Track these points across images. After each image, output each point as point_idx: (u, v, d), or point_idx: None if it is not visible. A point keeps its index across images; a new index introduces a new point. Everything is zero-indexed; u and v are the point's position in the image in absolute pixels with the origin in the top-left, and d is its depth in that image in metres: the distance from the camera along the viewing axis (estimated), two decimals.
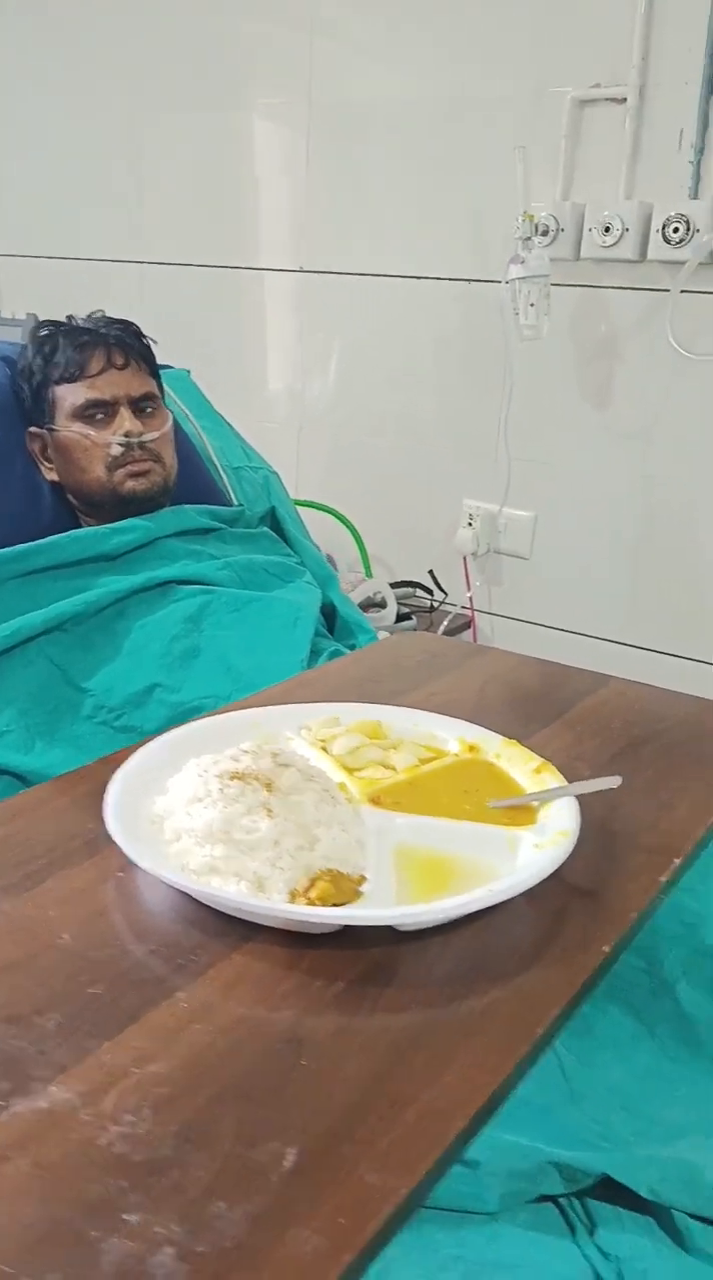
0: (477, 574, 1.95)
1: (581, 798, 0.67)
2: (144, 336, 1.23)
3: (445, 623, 1.90)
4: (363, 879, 0.58)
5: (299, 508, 1.90)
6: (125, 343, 1.19)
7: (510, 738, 0.76)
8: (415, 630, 1.88)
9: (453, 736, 0.77)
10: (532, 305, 1.63)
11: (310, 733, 0.76)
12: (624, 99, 1.61)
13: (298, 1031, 0.49)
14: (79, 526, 1.19)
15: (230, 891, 0.55)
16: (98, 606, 1.07)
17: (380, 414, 2.01)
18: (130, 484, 1.17)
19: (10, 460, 1.18)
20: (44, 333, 1.18)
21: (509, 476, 1.84)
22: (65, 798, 0.70)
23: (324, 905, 0.55)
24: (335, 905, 0.55)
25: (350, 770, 0.72)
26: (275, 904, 0.54)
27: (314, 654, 1.12)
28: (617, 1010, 0.78)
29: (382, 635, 1.80)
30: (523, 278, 1.62)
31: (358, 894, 0.57)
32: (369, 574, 1.99)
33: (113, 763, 0.69)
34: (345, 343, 2.04)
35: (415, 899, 0.58)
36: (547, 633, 1.90)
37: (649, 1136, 0.69)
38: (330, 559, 2.08)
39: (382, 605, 1.86)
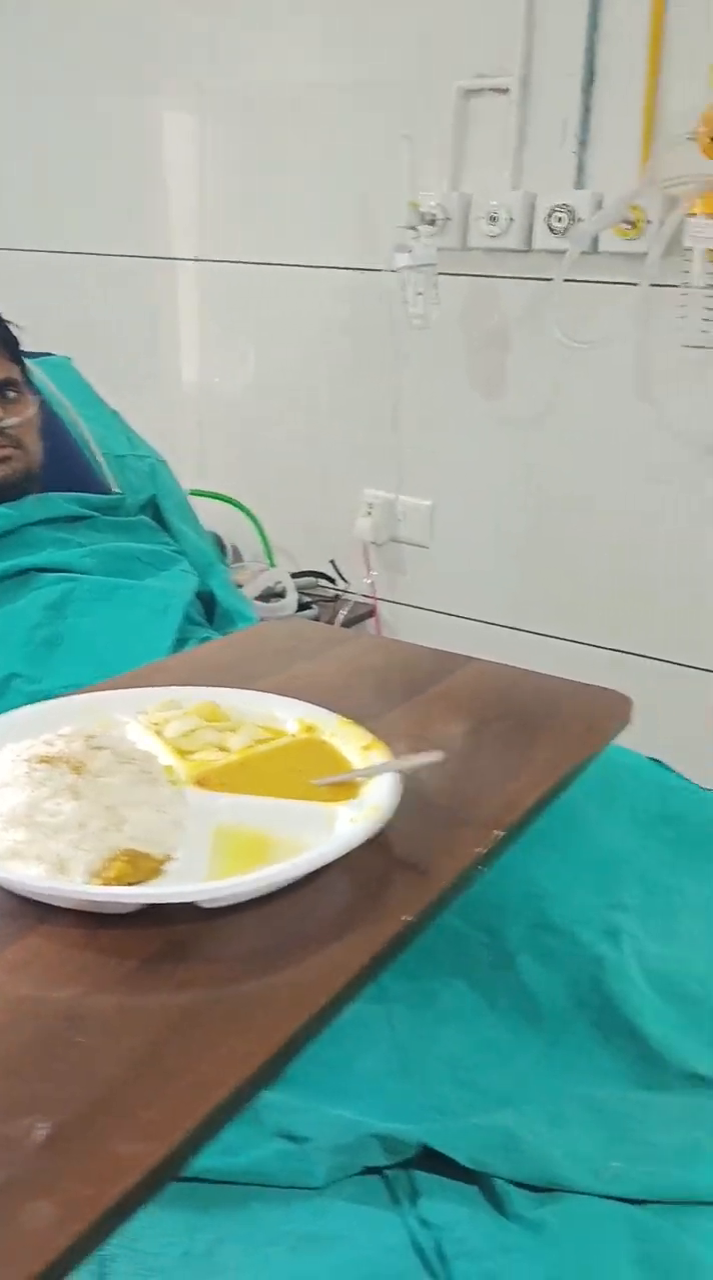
0: (379, 563, 1.95)
1: (417, 775, 0.67)
2: (4, 321, 1.21)
3: (346, 611, 1.90)
4: (168, 858, 0.58)
5: (202, 499, 1.90)
6: None
7: (360, 719, 0.76)
8: (317, 620, 1.88)
9: (292, 718, 0.77)
10: (420, 294, 1.64)
11: (147, 717, 0.76)
12: (508, 89, 1.63)
13: (78, 1009, 0.49)
14: None
15: (19, 874, 0.54)
16: None
17: (280, 404, 2.01)
18: None
19: None
20: None
21: (404, 465, 1.85)
22: None
23: (121, 885, 0.55)
24: (133, 885, 0.55)
25: (183, 753, 0.71)
26: (61, 884, 0.54)
27: (184, 642, 1.12)
28: (461, 984, 0.79)
29: None
30: (410, 267, 1.63)
31: (159, 872, 0.57)
32: (272, 564, 1.99)
33: None
34: (244, 333, 2.03)
35: (224, 877, 0.58)
36: (447, 620, 1.92)
37: (476, 1107, 0.70)
38: (234, 550, 2.07)
39: (282, 595, 1.86)
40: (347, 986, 0.51)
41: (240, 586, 1.84)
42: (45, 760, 0.62)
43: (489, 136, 1.67)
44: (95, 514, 1.26)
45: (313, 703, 0.80)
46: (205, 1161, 0.62)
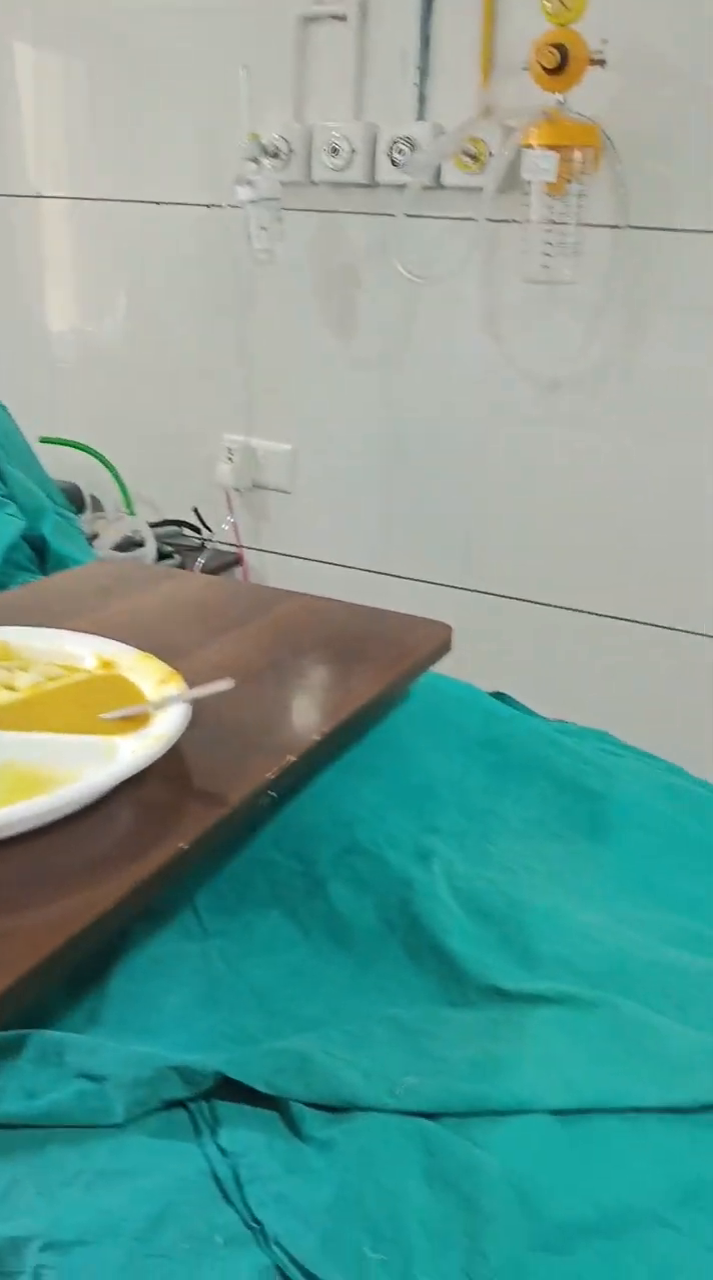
0: (243, 510, 1.93)
1: (215, 705, 0.66)
2: None
3: (204, 559, 1.87)
4: None
5: (55, 446, 1.83)
6: None
7: (170, 654, 0.75)
8: (177, 565, 1.85)
9: (90, 654, 0.75)
10: (264, 229, 1.60)
11: None
12: (345, 16, 1.58)
13: None
14: None
15: None
16: None
17: (134, 347, 1.95)
18: None
19: None
20: None
21: (261, 409, 1.82)
22: None
23: None
24: None
25: None
26: None
27: (3, 587, 1.08)
28: (277, 913, 0.79)
29: None
30: (253, 201, 1.59)
31: None
32: (132, 513, 1.94)
33: None
34: (94, 273, 1.95)
35: None
36: (313, 566, 1.91)
37: (280, 1034, 0.70)
38: (94, 500, 2.01)
39: (141, 544, 1.82)
40: (101, 918, 0.50)
41: (95, 537, 1.79)
42: None
43: (330, 66, 1.63)
44: None
45: (123, 641, 0.78)
46: (2, 1107, 0.60)
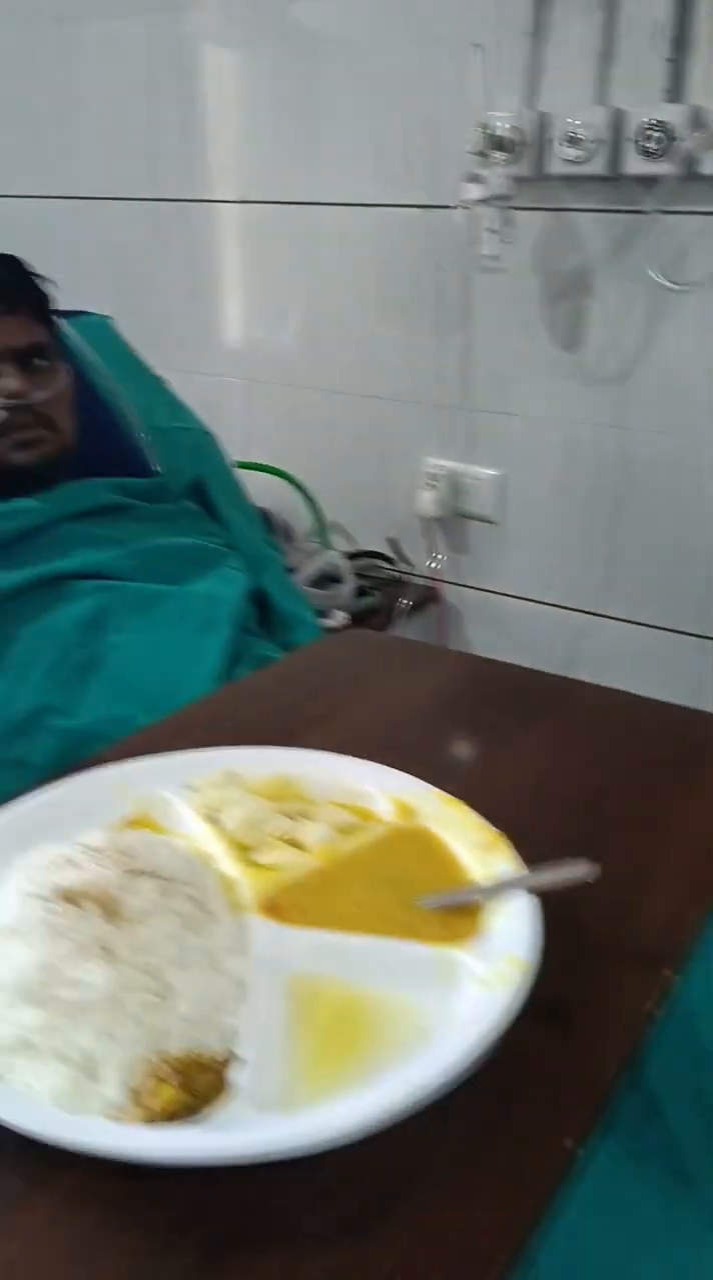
0: (442, 541, 1.77)
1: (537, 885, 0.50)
2: (32, 274, 1.03)
3: (408, 598, 1.72)
4: (230, 1058, 0.42)
5: (249, 471, 1.72)
6: (3, 281, 0.99)
7: (457, 776, 0.60)
8: (376, 602, 1.71)
9: (382, 792, 0.60)
10: (492, 232, 1.43)
11: (198, 795, 0.59)
12: None
13: None
14: None
15: (22, 1112, 0.38)
16: None
17: (332, 363, 1.81)
18: (16, 456, 0.98)
19: None
20: None
21: (471, 431, 1.66)
22: None
23: (168, 1115, 0.38)
24: (190, 1114, 0.39)
25: (246, 851, 0.55)
26: (85, 1129, 0.38)
27: (237, 659, 0.95)
28: (606, 1141, 0.62)
29: (336, 616, 1.63)
30: (481, 200, 1.42)
31: (221, 1088, 0.40)
32: (326, 544, 1.81)
33: None
34: (292, 284, 1.82)
35: (310, 1076, 0.42)
36: (517, 604, 1.73)
37: None
38: (286, 527, 1.89)
39: (338, 580, 1.69)
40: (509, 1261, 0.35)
41: (293, 571, 1.67)
42: (68, 897, 0.45)
43: (568, 43, 1.44)
44: (135, 502, 1.09)
45: (396, 752, 0.63)
46: None
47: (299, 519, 1.87)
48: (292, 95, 1.72)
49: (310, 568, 1.65)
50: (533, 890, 0.50)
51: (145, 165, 1.91)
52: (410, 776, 0.60)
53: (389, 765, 0.61)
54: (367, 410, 1.78)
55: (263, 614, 1.11)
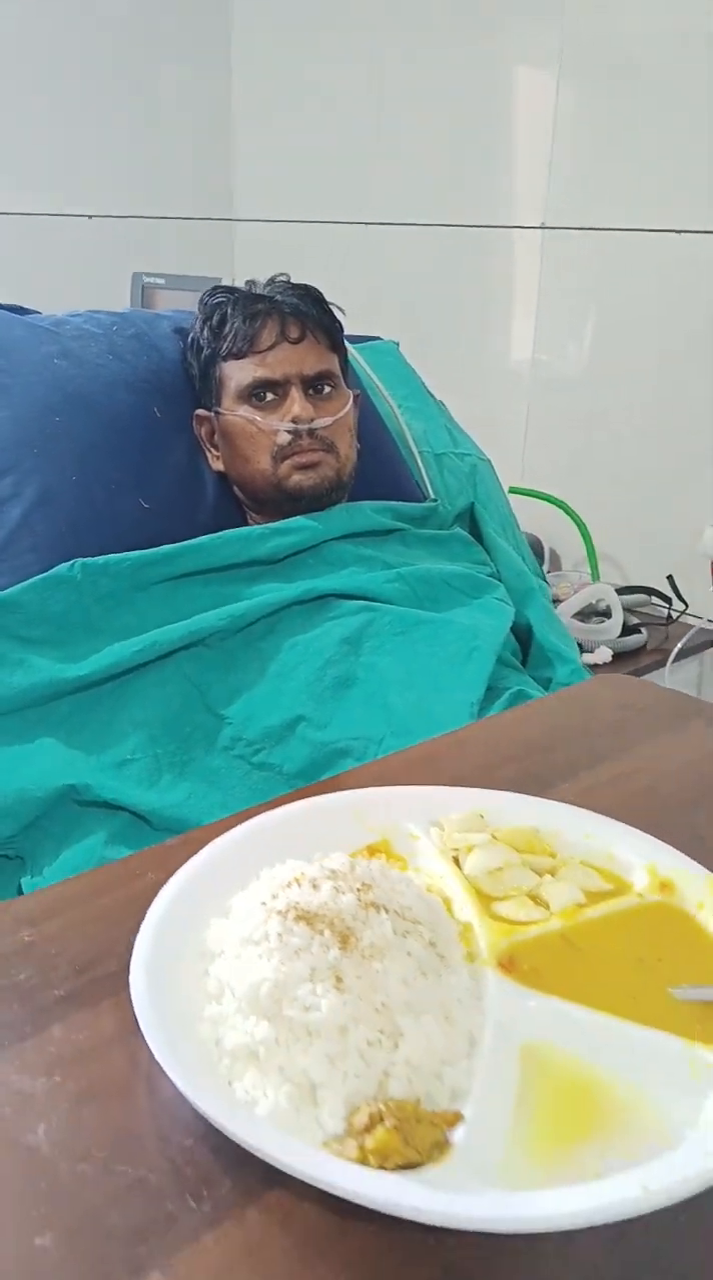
0: None
1: None
2: (327, 304, 1.07)
3: (684, 638, 1.62)
4: (455, 1119, 0.40)
5: (521, 497, 1.70)
6: (302, 311, 1.03)
7: (696, 842, 0.55)
8: (644, 641, 1.63)
9: (640, 862, 0.56)
10: None
11: (443, 834, 0.58)
12: None
13: None
14: (245, 524, 1.07)
15: (243, 1121, 0.38)
16: (245, 621, 0.94)
17: (621, 392, 1.75)
18: (297, 478, 1.02)
19: (173, 446, 1.06)
20: (213, 300, 1.05)
21: None
22: (123, 890, 0.56)
23: (381, 1157, 0.37)
24: (402, 1161, 0.38)
25: (486, 900, 0.53)
26: (300, 1152, 0.37)
27: (493, 692, 0.93)
28: None
29: (600, 652, 1.56)
30: None
31: (442, 1147, 0.39)
32: (596, 576, 1.75)
33: (198, 841, 0.54)
34: (590, 312, 1.78)
35: (533, 1153, 0.39)
36: None
37: None
38: (553, 554, 1.86)
39: (606, 615, 1.62)
40: None
41: (558, 602, 1.62)
42: (305, 918, 0.46)
43: None
44: (406, 526, 1.10)
45: (656, 818, 0.59)
46: None
47: (568, 547, 1.82)
48: (604, 119, 1.68)
49: (577, 599, 1.60)
50: None
51: (443, 190, 1.94)
52: (676, 851, 0.56)
53: (646, 831, 0.57)
54: (653, 442, 1.71)
55: (524, 647, 1.08)
